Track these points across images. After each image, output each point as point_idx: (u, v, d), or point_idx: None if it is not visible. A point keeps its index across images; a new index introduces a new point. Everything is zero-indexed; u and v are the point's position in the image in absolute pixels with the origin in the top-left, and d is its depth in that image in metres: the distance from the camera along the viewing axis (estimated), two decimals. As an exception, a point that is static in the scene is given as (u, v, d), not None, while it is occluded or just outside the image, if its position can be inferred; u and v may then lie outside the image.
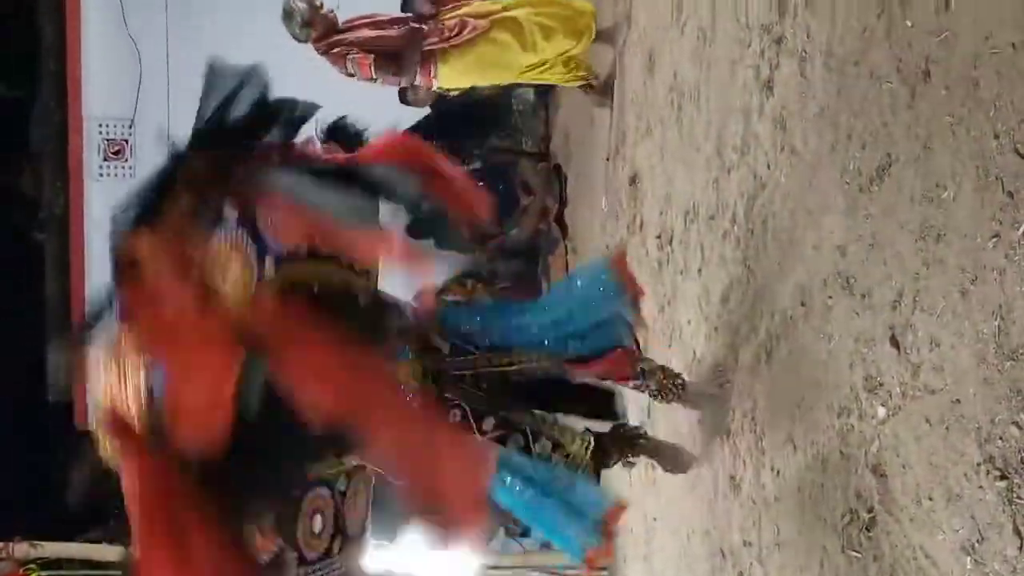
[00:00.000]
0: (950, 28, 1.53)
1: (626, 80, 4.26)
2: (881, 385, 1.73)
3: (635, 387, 2.58)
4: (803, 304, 2.11)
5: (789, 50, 2.24)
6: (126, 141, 6.84)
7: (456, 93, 4.69)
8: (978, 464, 1.41)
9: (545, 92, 5.99)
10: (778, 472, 2.24)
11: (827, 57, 2.02)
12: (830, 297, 1.96)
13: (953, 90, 1.51)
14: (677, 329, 3.15)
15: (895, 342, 1.68)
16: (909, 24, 1.65)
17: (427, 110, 4.98)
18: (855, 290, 1.85)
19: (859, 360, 1.82)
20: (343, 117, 2.04)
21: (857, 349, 1.83)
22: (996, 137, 1.38)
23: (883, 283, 1.73)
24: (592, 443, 2.45)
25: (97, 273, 6.76)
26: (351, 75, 4.32)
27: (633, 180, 4.02)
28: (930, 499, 1.55)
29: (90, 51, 6.71)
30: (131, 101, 6.78)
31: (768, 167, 2.37)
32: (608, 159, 4.51)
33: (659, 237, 3.47)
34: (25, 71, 6.79)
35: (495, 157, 6.17)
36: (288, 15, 4.17)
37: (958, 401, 1.47)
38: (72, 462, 1.79)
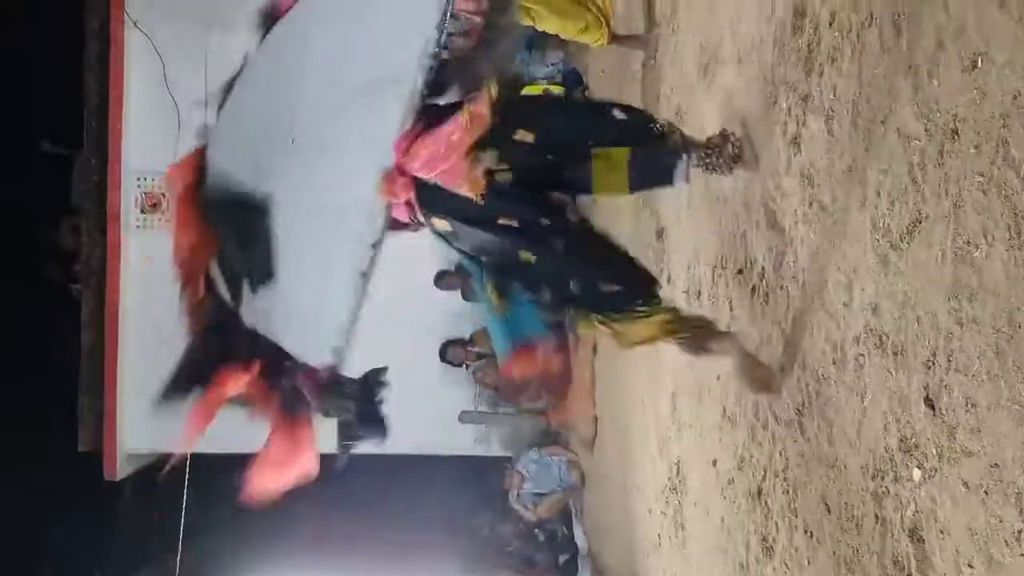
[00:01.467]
0: (977, 87, 1.53)
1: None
2: (917, 447, 1.69)
3: None
4: (835, 362, 2.08)
5: (815, 107, 2.25)
6: (163, 194, 7.00)
7: None
8: (1019, 531, 1.36)
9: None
10: (811, 535, 2.19)
11: (854, 115, 2.03)
12: (862, 355, 1.93)
13: (983, 149, 1.50)
14: (706, 386, 3.11)
15: (930, 403, 1.64)
16: (936, 84, 1.65)
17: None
18: (888, 348, 1.82)
19: (893, 420, 1.78)
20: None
21: (891, 409, 1.79)
22: (1028, 197, 1.37)
23: (916, 341, 1.70)
24: None
25: (131, 325, 6.86)
26: None
27: (660, 234, 4.02)
28: (970, 567, 1.50)
29: (131, 107, 6.92)
30: (169, 154, 6.95)
31: (796, 222, 2.36)
32: (635, 213, 4.53)
33: (687, 291, 3.45)
34: (70, 128, 7.02)
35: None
36: None
37: (997, 465, 1.43)
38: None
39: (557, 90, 5.90)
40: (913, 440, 1.70)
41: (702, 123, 3.34)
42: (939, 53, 1.66)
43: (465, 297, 6.85)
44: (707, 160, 2.55)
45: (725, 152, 2.56)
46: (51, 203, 7.25)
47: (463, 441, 7.37)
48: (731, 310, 2.90)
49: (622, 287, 2.37)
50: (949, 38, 1.63)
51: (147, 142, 6.90)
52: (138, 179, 6.99)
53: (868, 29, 1.97)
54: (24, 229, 7.24)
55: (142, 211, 7.04)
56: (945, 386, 1.59)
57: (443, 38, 2.25)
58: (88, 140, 6.92)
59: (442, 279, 6.88)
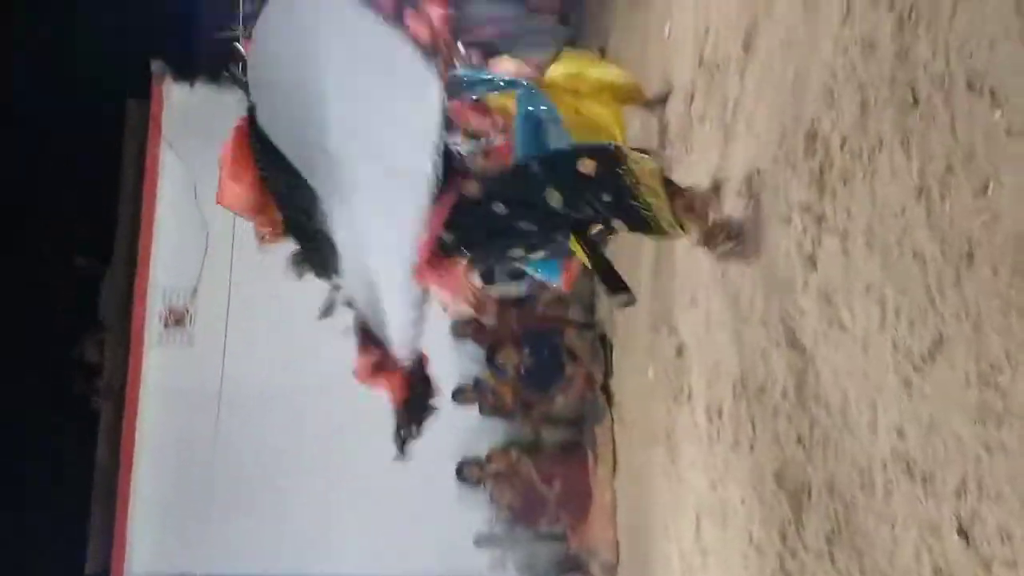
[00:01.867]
0: (990, 210, 1.53)
1: (674, 247, 4.33)
2: (952, 580, 1.61)
3: None
4: (862, 487, 2.01)
5: (830, 228, 2.27)
6: (187, 310, 7.10)
7: None
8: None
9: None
10: (846, 674, 2.06)
11: (868, 236, 2.04)
12: (891, 481, 1.87)
13: (1000, 271, 1.49)
14: (730, 508, 3.01)
15: (963, 532, 1.57)
16: (948, 207, 1.66)
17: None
18: (916, 474, 1.76)
19: (926, 550, 1.70)
20: None
21: (923, 538, 1.71)
22: (1049, 320, 1.35)
23: (945, 467, 1.65)
24: None
25: (148, 440, 6.83)
26: None
27: (680, 351, 3.99)
28: None
29: (162, 224, 7.12)
30: (195, 270, 7.10)
31: (816, 343, 2.34)
32: (654, 329, 4.52)
33: (708, 409, 3.39)
34: (102, 245, 7.22)
35: (542, 325, 6.25)
36: None
37: (1039, 603, 1.35)
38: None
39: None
40: (948, 572, 1.62)
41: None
42: (949, 176, 1.68)
43: (482, 412, 6.78)
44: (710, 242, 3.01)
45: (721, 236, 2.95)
46: (79, 317, 7.38)
47: (478, 566, 7.11)
48: (753, 430, 2.84)
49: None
50: (959, 162, 1.65)
51: (174, 259, 7.07)
52: (164, 295, 7.12)
53: (878, 153, 2.01)
54: (52, 342, 7.35)
55: (165, 326, 7.14)
56: (978, 515, 1.53)
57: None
58: (118, 257, 7.10)
59: (459, 395, 6.83)
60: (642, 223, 2.87)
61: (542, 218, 2.87)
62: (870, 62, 2.06)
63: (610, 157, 2.84)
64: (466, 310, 3.35)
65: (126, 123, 7.08)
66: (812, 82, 2.42)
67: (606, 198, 2.79)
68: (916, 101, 1.82)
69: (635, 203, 2.79)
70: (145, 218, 7.01)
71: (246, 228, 6.77)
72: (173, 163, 7.04)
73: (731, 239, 2.92)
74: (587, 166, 2.78)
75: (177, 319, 7.04)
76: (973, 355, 1.56)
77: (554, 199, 2.80)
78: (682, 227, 2.93)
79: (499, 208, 2.85)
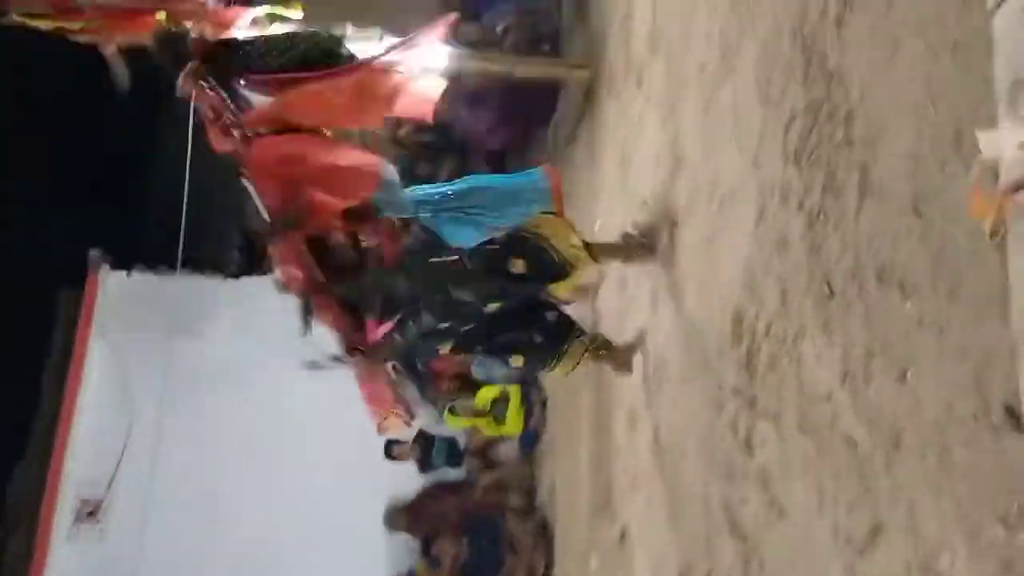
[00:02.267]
0: (912, 396, 1.60)
1: (612, 433, 4.34)
2: None
3: None
4: None
5: (762, 412, 2.32)
6: (101, 502, 6.71)
7: None
8: None
9: (532, 439, 6.05)
10: None
11: (800, 420, 2.09)
12: (844, 675, 1.81)
13: (927, 456, 1.54)
14: None
15: None
16: (872, 393, 1.73)
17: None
18: (870, 667, 1.71)
19: None
20: None
21: None
22: (980, 507, 1.38)
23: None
24: None
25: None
26: None
27: (622, 536, 3.90)
28: None
29: (83, 410, 6.85)
30: (113, 461, 6.77)
31: (759, 528, 2.32)
32: (595, 514, 4.42)
33: (654, 600, 3.28)
34: (18, 430, 6.87)
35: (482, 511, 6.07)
36: None
37: None
38: None
39: (514, 388, 6.02)
40: None
41: (656, 422, 3.40)
42: (870, 363, 1.76)
43: (422, 469, 6.49)
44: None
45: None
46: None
47: None
48: (702, 622, 2.74)
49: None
50: (878, 350, 1.74)
51: (92, 452, 6.75)
52: (78, 486, 6.74)
53: (802, 340, 2.10)
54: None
55: (76, 519, 6.71)
56: None
57: None
58: (33, 446, 6.75)
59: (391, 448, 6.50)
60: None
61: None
62: (785, 256, 2.21)
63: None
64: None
65: (56, 314, 6.96)
66: (735, 273, 2.56)
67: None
68: (832, 292, 1.94)
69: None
70: (65, 411, 6.74)
71: (172, 423, 6.61)
72: (102, 351, 6.89)
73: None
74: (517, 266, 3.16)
75: (90, 511, 6.62)
76: (912, 540, 1.57)
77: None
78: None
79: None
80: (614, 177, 4.42)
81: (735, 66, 2.68)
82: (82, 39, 4.27)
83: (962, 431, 1.44)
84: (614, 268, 4.27)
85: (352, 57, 3.33)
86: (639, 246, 3.37)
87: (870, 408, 1.75)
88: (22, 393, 6.82)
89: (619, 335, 4.06)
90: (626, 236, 3.44)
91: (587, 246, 3.33)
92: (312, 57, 3.27)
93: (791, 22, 2.27)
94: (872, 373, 1.75)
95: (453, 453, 6.65)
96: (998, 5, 1.40)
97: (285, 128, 3.26)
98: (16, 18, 4.06)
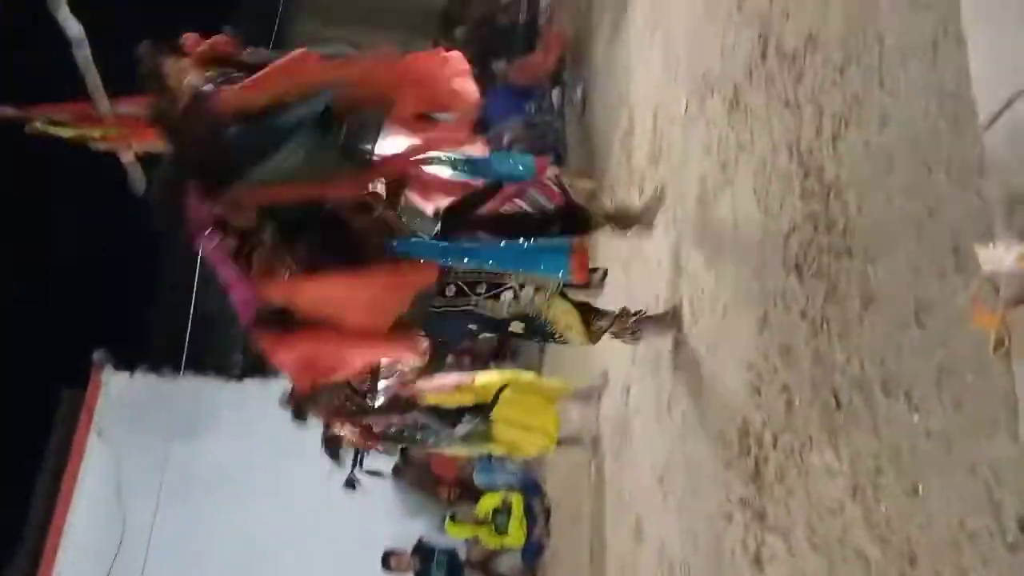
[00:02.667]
0: (924, 512, 1.56)
1: (617, 545, 4.21)
2: None
3: None
4: None
5: (771, 526, 2.26)
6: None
7: None
8: None
9: (535, 551, 5.88)
10: None
11: (810, 534, 2.03)
12: None
13: (943, 573, 1.49)
14: None
15: None
16: (883, 508, 1.69)
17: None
18: None
19: None
20: None
21: None
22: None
23: None
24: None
25: None
26: None
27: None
28: None
29: (76, 513, 6.71)
30: (105, 566, 6.59)
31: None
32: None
33: None
34: (9, 533, 6.72)
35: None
36: None
37: None
38: None
39: (516, 497, 5.90)
40: None
41: (662, 534, 3.31)
42: (880, 477, 1.72)
43: None
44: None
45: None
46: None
47: None
48: None
49: None
50: (887, 463, 1.71)
51: (84, 552, 6.58)
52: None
53: (809, 451, 2.07)
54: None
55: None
56: None
57: None
58: (22, 549, 6.58)
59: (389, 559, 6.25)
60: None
61: None
62: (790, 366, 2.20)
63: None
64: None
65: (57, 414, 6.92)
66: (739, 382, 2.54)
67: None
68: (839, 403, 1.92)
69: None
70: (58, 511, 6.60)
71: (165, 533, 6.46)
72: (100, 452, 6.80)
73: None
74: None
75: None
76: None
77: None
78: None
79: None
80: (617, 279, 4.46)
81: (733, 179, 2.74)
82: (102, 146, 4.40)
83: (977, 549, 1.39)
84: (618, 376, 4.25)
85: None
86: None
87: (882, 523, 1.70)
88: (14, 496, 6.70)
89: (623, 447, 4.00)
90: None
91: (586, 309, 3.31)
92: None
93: (787, 136, 2.34)
94: (882, 487, 1.71)
95: (454, 566, 6.43)
96: (990, 122, 1.44)
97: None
98: (39, 126, 4.19)
